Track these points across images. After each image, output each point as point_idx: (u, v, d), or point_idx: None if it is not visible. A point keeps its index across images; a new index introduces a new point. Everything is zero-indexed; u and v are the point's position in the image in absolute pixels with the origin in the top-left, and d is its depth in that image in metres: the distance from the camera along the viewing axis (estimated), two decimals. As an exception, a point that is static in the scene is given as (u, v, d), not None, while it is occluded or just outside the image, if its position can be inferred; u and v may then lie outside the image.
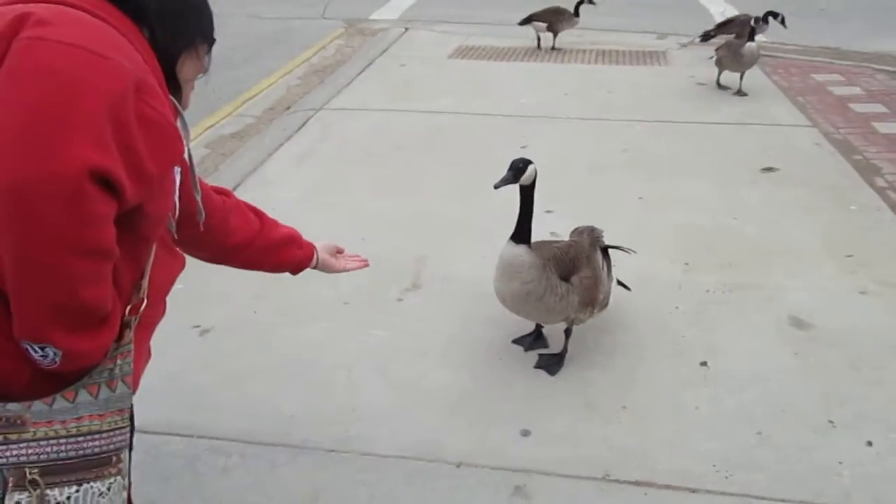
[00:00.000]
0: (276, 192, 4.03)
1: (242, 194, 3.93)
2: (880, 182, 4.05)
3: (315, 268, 1.93)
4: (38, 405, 1.14)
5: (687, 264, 3.24)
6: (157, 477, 2.11)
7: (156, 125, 1.09)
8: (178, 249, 1.50)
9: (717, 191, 3.96)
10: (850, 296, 3.02)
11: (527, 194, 2.32)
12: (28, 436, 1.13)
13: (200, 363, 2.64)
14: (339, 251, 2.01)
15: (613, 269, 2.77)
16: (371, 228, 3.58)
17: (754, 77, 5.56)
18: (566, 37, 6.92)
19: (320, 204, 3.87)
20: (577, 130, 4.89)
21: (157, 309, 1.38)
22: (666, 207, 3.79)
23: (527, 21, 6.65)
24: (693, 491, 2.06)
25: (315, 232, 3.54)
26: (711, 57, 5.61)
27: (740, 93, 5.46)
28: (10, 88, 1.00)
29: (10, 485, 1.13)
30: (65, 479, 1.16)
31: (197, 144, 5.05)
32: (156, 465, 2.16)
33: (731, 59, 5.31)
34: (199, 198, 1.42)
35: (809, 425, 2.31)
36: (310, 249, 1.90)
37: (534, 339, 2.72)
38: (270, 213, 3.92)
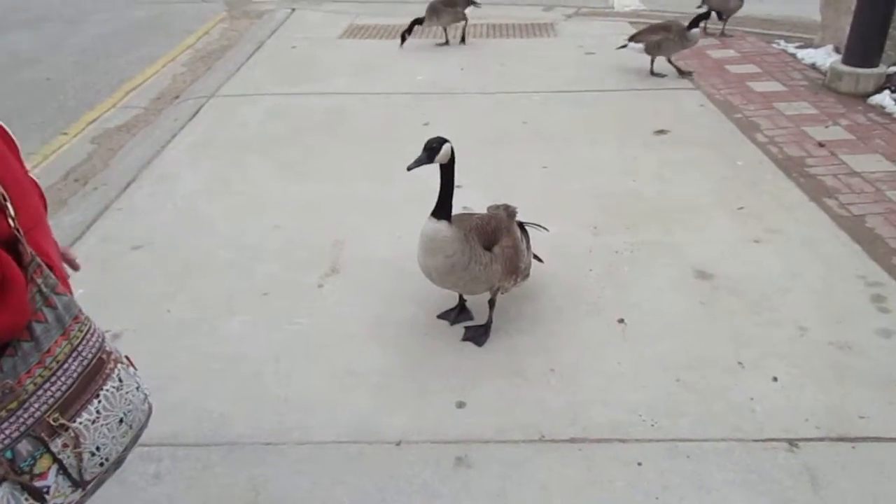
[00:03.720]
0: (175, 185, 3.86)
1: (138, 190, 3.84)
2: (760, 137, 4.34)
3: None
4: (6, 361, 1.16)
5: (595, 228, 3.36)
6: (84, 492, 2.01)
7: None
8: None
9: (615, 155, 4.12)
10: (744, 245, 3.23)
11: (446, 171, 2.32)
12: (24, 395, 1.18)
13: (116, 370, 2.51)
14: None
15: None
16: (282, 216, 3.51)
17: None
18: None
19: (225, 194, 3.74)
20: (477, 105, 4.94)
21: (32, 201, 1.28)
22: (569, 175, 3.90)
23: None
24: (623, 441, 2.17)
25: (224, 223, 3.50)
26: (639, 41, 5.38)
27: (656, 73, 5.41)
28: None
29: (46, 437, 1.19)
30: (82, 402, 1.24)
31: (81, 140, 4.75)
32: (81, 480, 2.05)
33: (677, 41, 5.27)
34: None
35: (721, 368, 2.47)
36: None
37: (458, 313, 2.76)
38: (173, 208, 3.79)
